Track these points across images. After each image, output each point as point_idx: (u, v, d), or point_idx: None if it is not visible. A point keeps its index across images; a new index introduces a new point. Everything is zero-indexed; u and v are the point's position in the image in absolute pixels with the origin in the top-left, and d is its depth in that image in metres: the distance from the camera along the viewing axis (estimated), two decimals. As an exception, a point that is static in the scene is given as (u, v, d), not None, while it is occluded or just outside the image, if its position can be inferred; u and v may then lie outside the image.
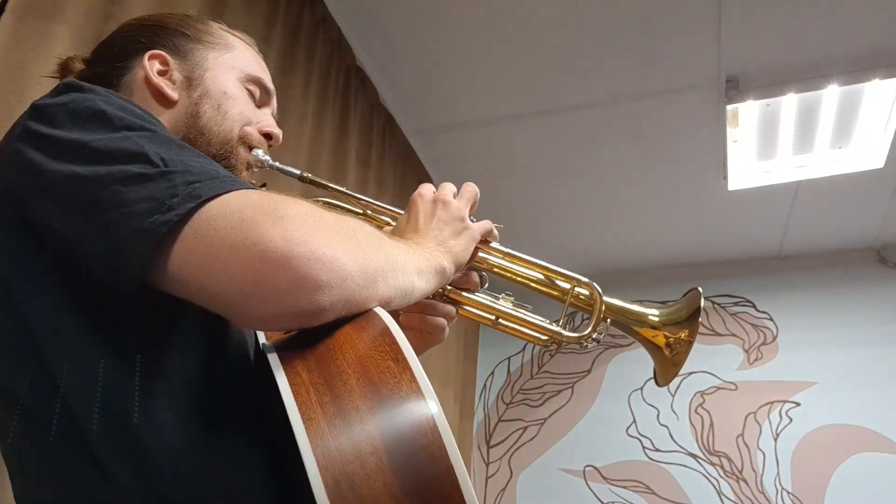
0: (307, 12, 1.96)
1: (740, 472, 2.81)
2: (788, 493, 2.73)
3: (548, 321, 0.91)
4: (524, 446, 3.14)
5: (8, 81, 1.14)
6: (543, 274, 0.92)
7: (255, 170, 0.88)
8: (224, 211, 0.55)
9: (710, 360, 3.01)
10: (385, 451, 0.48)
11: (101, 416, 0.58)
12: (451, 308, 0.91)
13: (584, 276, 0.92)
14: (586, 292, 0.91)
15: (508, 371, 3.32)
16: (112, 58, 0.85)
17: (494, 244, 0.90)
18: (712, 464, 2.85)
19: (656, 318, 0.92)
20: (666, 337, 0.92)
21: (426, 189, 0.85)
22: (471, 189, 0.88)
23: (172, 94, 0.82)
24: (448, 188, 0.86)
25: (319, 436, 0.48)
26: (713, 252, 3.16)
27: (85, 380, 0.59)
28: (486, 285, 0.93)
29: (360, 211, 0.93)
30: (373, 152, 2.24)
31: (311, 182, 0.92)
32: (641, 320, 0.93)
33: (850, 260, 3.02)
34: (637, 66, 2.16)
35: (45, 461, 0.58)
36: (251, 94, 0.89)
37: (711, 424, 2.91)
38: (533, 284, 0.93)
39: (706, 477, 2.84)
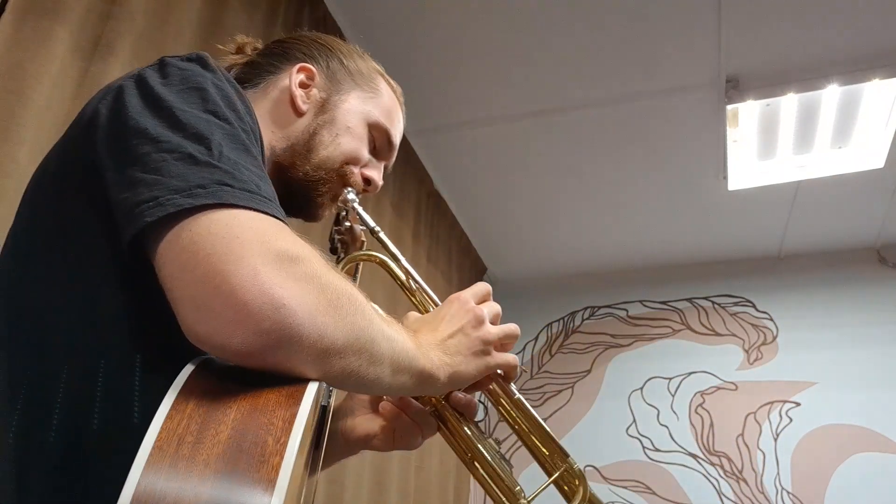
0: (307, 12, 1.96)
1: (740, 472, 2.81)
2: (788, 493, 2.73)
3: (520, 491, 0.83)
4: (524, 446, 3.14)
5: (8, 81, 1.14)
6: (542, 440, 0.87)
7: (340, 206, 0.89)
8: (229, 221, 0.55)
9: (710, 360, 3.01)
10: None
11: (101, 415, 0.58)
12: (431, 421, 0.86)
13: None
14: (575, 481, 0.85)
15: (508, 371, 3.31)
16: (272, 55, 0.92)
17: (511, 386, 0.85)
18: (712, 464, 2.85)
19: None
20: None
21: (468, 295, 0.81)
22: (512, 327, 0.82)
23: (302, 106, 0.87)
24: (492, 308, 0.81)
25: (155, 470, 0.45)
26: (713, 252, 3.16)
27: (85, 379, 0.59)
28: (485, 419, 0.88)
29: (407, 285, 0.88)
30: (373, 152, 2.24)
31: (379, 240, 0.89)
32: None
33: (850, 260, 3.03)
34: (637, 66, 2.16)
35: (46, 461, 0.58)
36: (372, 139, 0.91)
37: (711, 424, 2.91)
38: (528, 442, 0.88)
39: (706, 477, 2.84)
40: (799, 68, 2.11)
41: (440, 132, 2.51)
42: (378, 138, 0.92)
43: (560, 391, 3.19)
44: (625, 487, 2.92)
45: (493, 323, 0.81)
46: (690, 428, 2.94)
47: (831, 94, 2.19)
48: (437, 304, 0.86)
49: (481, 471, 0.84)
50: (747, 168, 2.55)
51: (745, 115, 2.29)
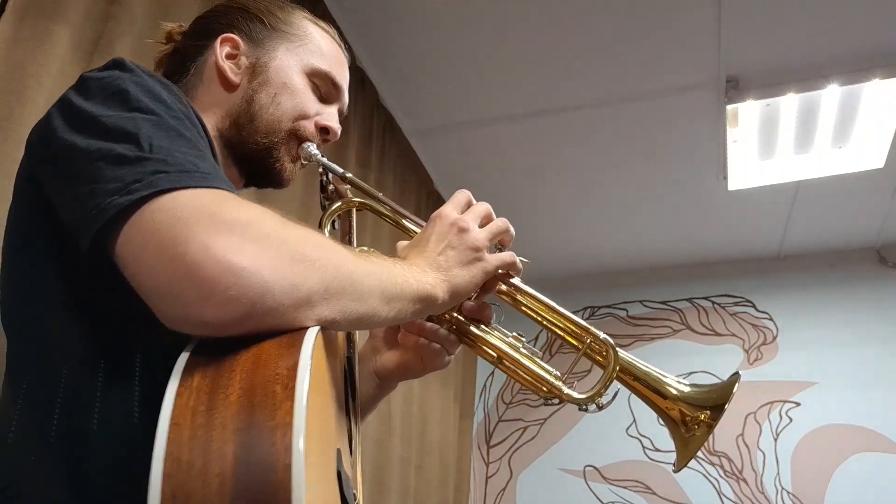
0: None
1: (740, 472, 2.81)
2: (788, 493, 2.73)
3: (553, 373, 0.84)
4: (524, 446, 3.14)
5: (8, 81, 1.14)
6: (560, 321, 0.87)
7: (305, 163, 0.88)
8: (171, 206, 0.55)
9: (710, 360, 3.01)
10: (231, 477, 0.45)
11: (101, 416, 0.58)
12: (451, 337, 0.87)
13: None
14: (602, 348, 0.85)
15: (508, 371, 3.31)
16: (194, 36, 0.90)
17: (516, 280, 0.85)
18: (712, 464, 2.85)
19: (674, 391, 0.84)
20: (682, 413, 0.83)
21: (448, 209, 0.81)
22: (500, 222, 0.83)
23: (234, 78, 0.85)
24: (475, 211, 0.82)
25: (178, 443, 0.46)
26: (713, 252, 3.16)
27: (85, 380, 0.59)
28: (502, 320, 0.88)
29: (392, 218, 0.89)
30: (373, 152, 2.24)
31: (352, 183, 0.90)
32: (657, 388, 0.84)
33: (850, 260, 3.02)
34: (637, 66, 2.16)
35: (45, 462, 0.58)
36: (316, 87, 0.89)
37: (711, 424, 2.91)
38: (551, 327, 0.88)
39: (706, 477, 2.84)
40: (799, 68, 2.11)
41: (440, 132, 2.51)
42: (321, 85, 0.89)
43: (560, 391, 3.19)
44: (625, 487, 2.92)
45: (482, 225, 0.81)
46: (690, 428, 2.93)
47: (831, 94, 2.18)
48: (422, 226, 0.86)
49: (511, 366, 0.86)
50: (747, 168, 2.55)
51: (745, 115, 2.29)
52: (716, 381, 0.88)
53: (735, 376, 0.84)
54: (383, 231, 2.13)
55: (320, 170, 0.90)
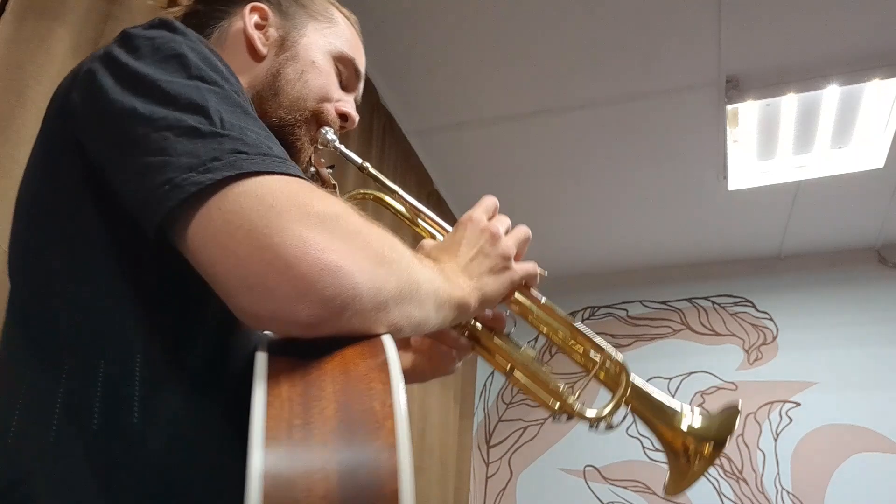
0: (307, 12, 1.96)
1: (740, 472, 2.81)
2: (788, 493, 2.73)
3: (565, 388, 0.83)
4: (524, 446, 3.14)
5: (8, 81, 1.14)
6: (574, 336, 0.86)
7: (320, 148, 0.85)
8: (257, 191, 0.52)
9: (710, 360, 3.01)
10: (337, 498, 0.43)
11: (101, 415, 0.57)
12: (466, 343, 0.86)
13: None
14: (614, 369, 0.83)
15: (508, 371, 3.31)
16: (216, 0, 0.85)
17: (534, 291, 0.83)
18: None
19: (682, 423, 0.82)
20: (685, 445, 0.82)
21: (479, 213, 0.79)
22: (524, 230, 0.82)
23: (262, 48, 0.82)
24: (502, 221, 0.80)
25: (276, 459, 0.44)
26: (713, 252, 3.16)
27: (85, 379, 0.59)
28: (514, 329, 0.87)
29: (408, 216, 0.87)
30: (373, 152, 2.24)
31: (370, 175, 0.87)
32: (665, 418, 0.82)
33: (850, 260, 3.02)
34: (637, 66, 2.16)
35: (45, 461, 0.58)
36: (339, 72, 0.87)
37: (711, 424, 2.91)
38: (561, 343, 0.87)
39: (706, 477, 2.83)
40: (799, 68, 2.11)
41: (440, 132, 2.51)
42: (344, 70, 0.87)
43: (560, 391, 3.19)
44: (625, 487, 2.92)
45: (506, 235, 0.79)
46: (690, 428, 2.93)
47: (831, 94, 2.18)
48: (443, 229, 0.85)
49: (522, 379, 0.84)
50: (747, 168, 2.55)
51: (745, 115, 2.29)
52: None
53: (734, 410, 0.82)
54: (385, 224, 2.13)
55: (320, 145, 0.87)
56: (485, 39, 2.10)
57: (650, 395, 0.83)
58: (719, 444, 0.79)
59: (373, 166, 0.89)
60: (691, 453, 0.81)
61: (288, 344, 0.53)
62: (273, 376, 0.49)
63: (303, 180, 0.55)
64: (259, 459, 0.44)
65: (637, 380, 0.83)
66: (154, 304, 0.59)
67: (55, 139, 0.64)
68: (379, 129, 2.31)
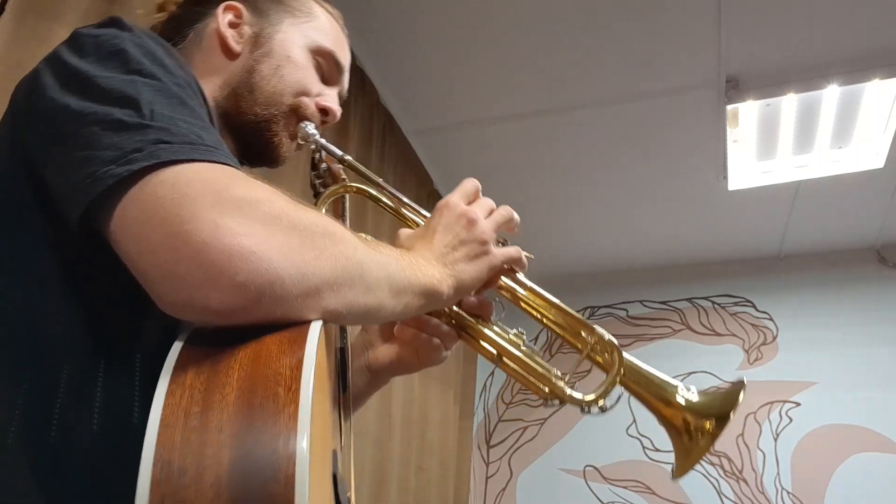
0: (307, 12, 1.95)
1: (740, 472, 2.81)
2: (788, 493, 2.73)
3: (555, 373, 0.80)
4: (524, 446, 3.14)
5: (8, 81, 1.13)
6: (565, 319, 0.83)
7: (301, 142, 0.85)
8: (175, 179, 0.51)
9: (710, 360, 3.01)
10: (227, 487, 0.42)
11: (101, 416, 0.57)
12: (450, 332, 0.83)
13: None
14: (607, 349, 0.81)
15: (508, 371, 3.32)
16: (193, 2, 0.85)
17: (520, 276, 0.82)
18: (712, 464, 2.85)
19: (680, 399, 0.79)
20: (685, 421, 0.79)
21: (456, 198, 0.78)
22: (505, 212, 0.80)
23: (235, 46, 0.82)
24: (482, 205, 0.79)
25: (168, 447, 0.43)
26: (713, 252, 3.16)
27: (85, 380, 0.58)
28: (503, 316, 0.85)
29: (392, 206, 0.86)
30: (373, 152, 2.24)
31: (351, 166, 0.86)
32: (661, 395, 0.80)
33: (850, 260, 3.02)
34: (637, 66, 2.16)
35: (45, 462, 0.58)
36: (319, 66, 0.86)
37: (711, 424, 2.91)
38: (553, 326, 0.84)
39: (706, 477, 2.84)
40: (799, 68, 2.11)
41: (440, 132, 2.51)
42: (324, 64, 0.86)
43: (560, 391, 3.19)
44: (625, 487, 2.92)
45: (487, 217, 0.78)
46: (690, 428, 2.93)
47: (831, 94, 2.18)
48: (426, 217, 0.83)
49: (512, 364, 0.82)
50: (747, 168, 2.55)
51: (745, 115, 2.29)
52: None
53: (739, 384, 0.79)
54: (384, 218, 2.13)
55: (312, 146, 0.86)
56: (485, 39, 2.10)
57: (643, 371, 0.81)
58: (720, 419, 0.76)
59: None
60: (693, 429, 0.78)
61: (210, 333, 0.51)
62: (181, 366, 0.48)
63: (226, 167, 0.54)
64: (150, 448, 0.43)
65: (629, 357, 0.80)
66: (103, 302, 0.59)
67: (2, 141, 0.64)
68: (379, 129, 2.31)
